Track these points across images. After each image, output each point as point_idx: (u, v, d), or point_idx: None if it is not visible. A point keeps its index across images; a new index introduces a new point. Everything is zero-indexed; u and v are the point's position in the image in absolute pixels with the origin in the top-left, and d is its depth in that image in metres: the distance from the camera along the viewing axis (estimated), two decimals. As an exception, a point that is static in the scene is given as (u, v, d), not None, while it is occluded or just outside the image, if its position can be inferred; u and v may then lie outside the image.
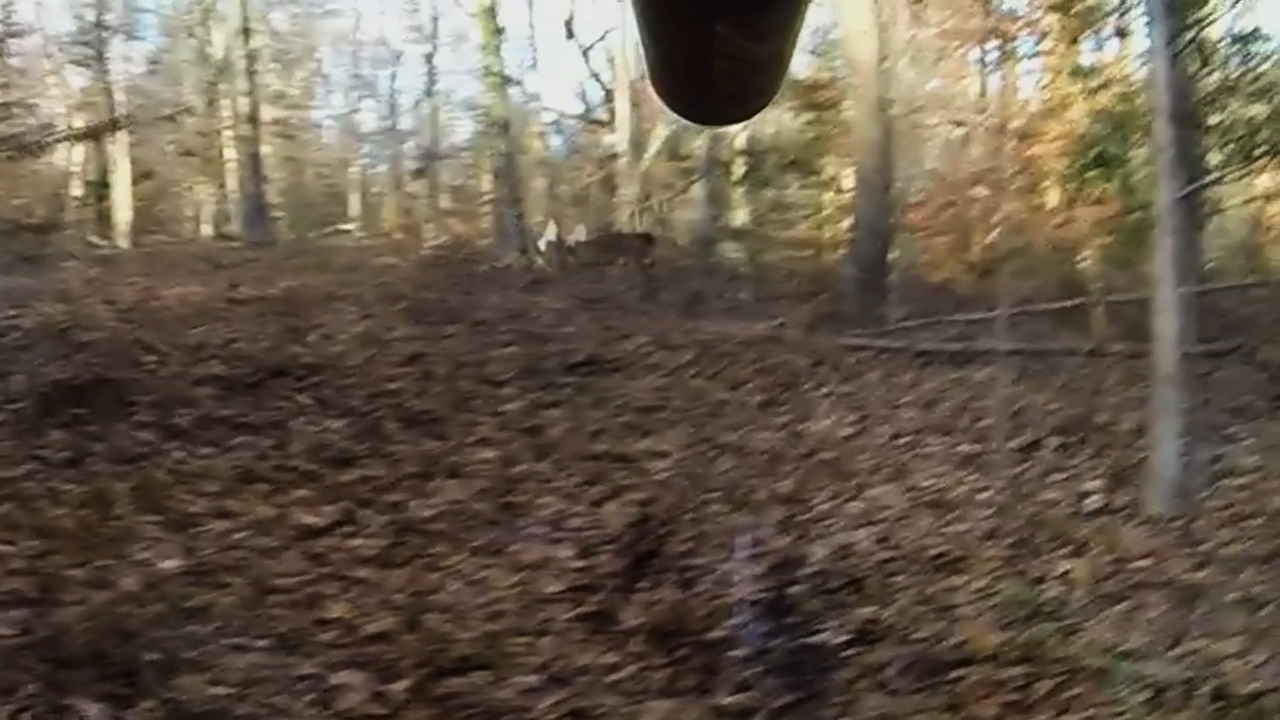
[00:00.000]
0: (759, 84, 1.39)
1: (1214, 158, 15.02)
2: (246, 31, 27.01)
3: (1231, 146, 14.75)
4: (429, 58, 33.95)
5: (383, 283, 16.64)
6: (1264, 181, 16.36)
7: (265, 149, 29.35)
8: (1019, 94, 21.18)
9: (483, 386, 10.43)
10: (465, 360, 11.23)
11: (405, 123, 37.49)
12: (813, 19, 23.01)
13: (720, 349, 12.86)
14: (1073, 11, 14.37)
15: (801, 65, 24.81)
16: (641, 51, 1.36)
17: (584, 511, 7.30)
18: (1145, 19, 9.22)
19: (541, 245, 19.72)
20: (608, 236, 20.59)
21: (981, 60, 19.97)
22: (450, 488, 7.59)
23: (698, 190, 21.36)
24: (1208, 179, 13.00)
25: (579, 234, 20.93)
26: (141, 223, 26.35)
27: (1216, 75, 14.22)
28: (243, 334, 11.84)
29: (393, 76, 36.88)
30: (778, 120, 24.21)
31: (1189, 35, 13.31)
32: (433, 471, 7.92)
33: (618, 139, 22.76)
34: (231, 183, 28.94)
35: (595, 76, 26.19)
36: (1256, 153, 14.62)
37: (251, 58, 27.38)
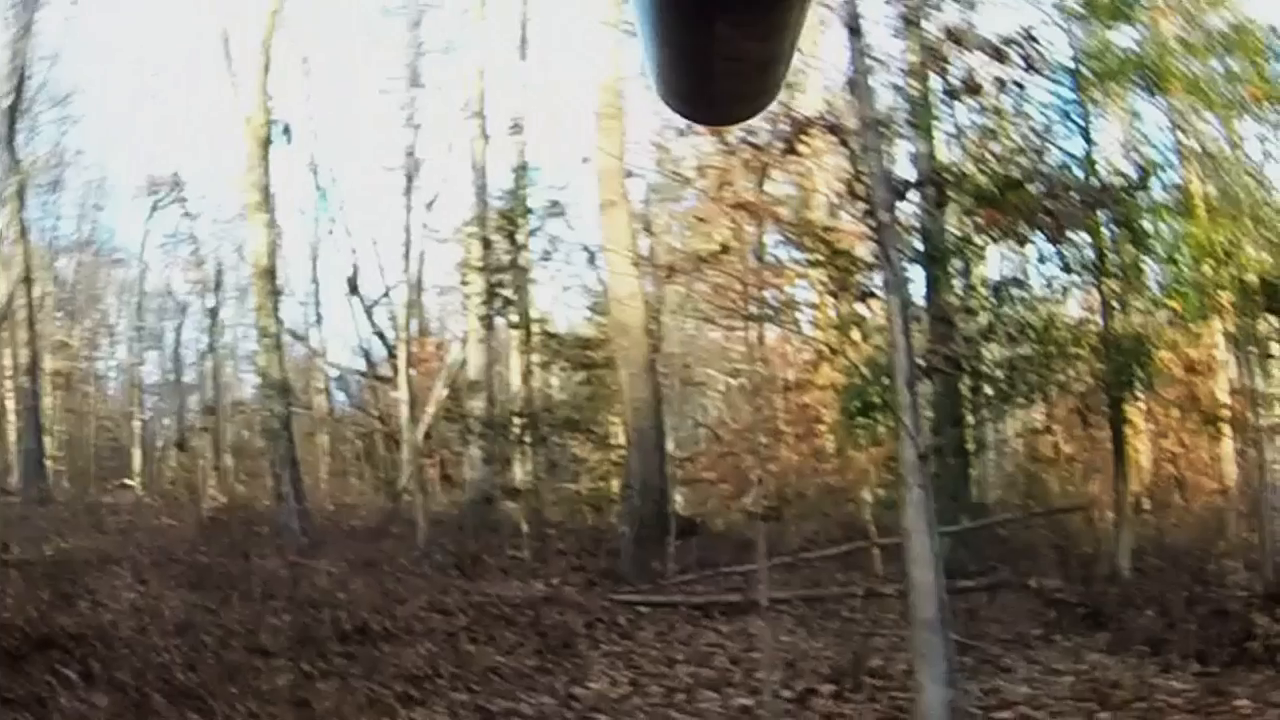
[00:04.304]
0: (760, 84, 1.50)
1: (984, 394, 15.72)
2: (29, 280, 26.73)
3: (993, 389, 15.43)
4: (213, 312, 33.75)
5: (160, 545, 16.34)
6: (1037, 415, 17.05)
7: (46, 400, 28.92)
8: (792, 344, 21.82)
9: (254, 657, 10.24)
10: (237, 629, 11.03)
11: (189, 377, 37.15)
12: (590, 280, 23.65)
13: (496, 611, 12.85)
14: (832, 267, 14.94)
15: (577, 323, 25.43)
16: (643, 52, 1.46)
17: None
18: (883, 289, 9.62)
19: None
20: None
21: (759, 314, 20.50)
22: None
23: (476, 449, 21.46)
24: (938, 439, 13.55)
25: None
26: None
27: (982, 319, 14.87)
28: (10, 601, 11.53)
29: (177, 329, 36.50)
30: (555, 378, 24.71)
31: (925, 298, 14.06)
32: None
33: (400, 397, 22.86)
34: (10, 435, 28.37)
35: (378, 334, 26.32)
36: (1014, 393, 15.33)
37: (33, 306, 27.06)
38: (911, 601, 8.07)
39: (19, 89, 27.53)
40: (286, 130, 23.38)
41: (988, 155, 14.14)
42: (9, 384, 28.38)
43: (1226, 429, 16.69)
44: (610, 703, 9.78)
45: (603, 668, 11.07)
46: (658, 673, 10.93)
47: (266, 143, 20.25)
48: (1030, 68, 12.56)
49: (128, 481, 32.58)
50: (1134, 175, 14.38)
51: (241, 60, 21.05)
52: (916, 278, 15.32)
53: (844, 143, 9.12)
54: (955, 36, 12.03)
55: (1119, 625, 11.78)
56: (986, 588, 14.39)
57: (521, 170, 22.63)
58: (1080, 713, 9.19)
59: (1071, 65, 14.44)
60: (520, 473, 21.22)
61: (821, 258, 15.29)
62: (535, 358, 22.57)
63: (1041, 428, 17.08)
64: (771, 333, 22.09)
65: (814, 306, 20.22)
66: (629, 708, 9.65)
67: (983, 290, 15.36)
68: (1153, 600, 12.04)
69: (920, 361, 10.00)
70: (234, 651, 10.32)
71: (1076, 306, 16.15)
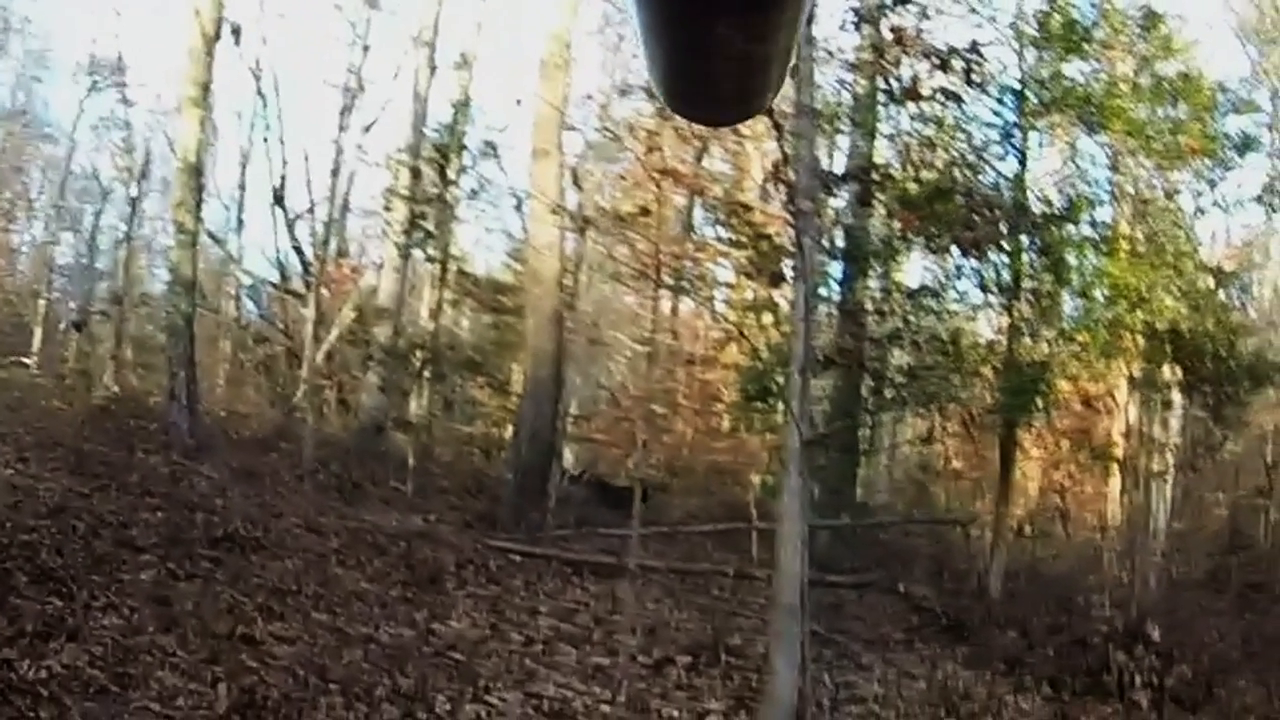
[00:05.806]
0: (760, 83, 1.50)
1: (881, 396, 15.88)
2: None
3: (891, 392, 15.58)
4: (135, 201, 33.12)
5: (46, 427, 16.08)
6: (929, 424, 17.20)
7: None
8: (703, 320, 21.92)
9: (122, 550, 10.16)
10: (109, 520, 10.93)
11: (102, 263, 36.50)
12: (514, 225, 23.61)
13: (370, 539, 12.85)
14: (754, 249, 15.01)
15: (495, 266, 25.39)
16: (644, 52, 1.47)
17: (197, 690, 7.22)
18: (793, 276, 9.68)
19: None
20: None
21: (674, 284, 20.55)
22: (68, 650, 7.42)
23: (375, 376, 21.39)
24: (827, 430, 13.69)
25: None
26: None
27: (893, 322, 14.98)
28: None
29: (97, 214, 35.82)
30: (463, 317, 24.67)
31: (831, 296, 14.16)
32: (52, 631, 7.73)
33: (307, 314, 22.65)
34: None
35: (296, 248, 25.97)
36: (911, 400, 15.47)
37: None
38: (775, 585, 8.15)
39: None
40: (236, 30, 22.94)
41: (921, 162, 14.24)
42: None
43: (1115, 468, 16.93)
44: (468, 643, 9.84)
45: (466, 608, 11.15)
46: (520, 621, 11.04)
47: (214, 39, 19.91)
48: (971, 81, 12.67)
49: (24, 360, 32.00)
50: (1062, 206, 14.54)
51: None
52: (837, 273, 15.49)
53: (777, 126, 9.15)
54: (900, 38, 12.12)
55: (980, 641, 12.00)
56: (856, 585, 14.61)
57: (462, 106, 22.53)
58: (928, 717, 9.39)
59: (1019, 88, 14.53)
60: (415, 406, 21.19)
61: (744, 239, 15.36)
62: (448, 294, 22.52)
63: (932, 437, 17.20)
64: (686, 307, 22.24)
65: (730, 286, 20.36)
66: (486, 650, 9.73)
67: (898, 295, 15.47)
68: (1016, 622, 12.27)
69: (821, 353, 10.10)
70: (103, 541, 10.25)
71: (988, 326, 16.31)
